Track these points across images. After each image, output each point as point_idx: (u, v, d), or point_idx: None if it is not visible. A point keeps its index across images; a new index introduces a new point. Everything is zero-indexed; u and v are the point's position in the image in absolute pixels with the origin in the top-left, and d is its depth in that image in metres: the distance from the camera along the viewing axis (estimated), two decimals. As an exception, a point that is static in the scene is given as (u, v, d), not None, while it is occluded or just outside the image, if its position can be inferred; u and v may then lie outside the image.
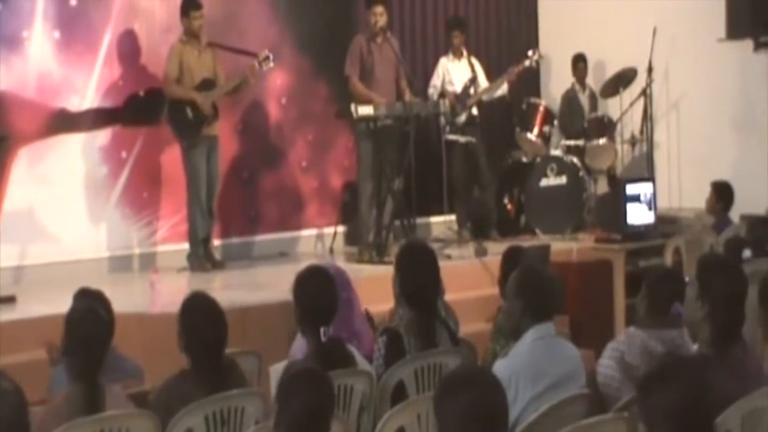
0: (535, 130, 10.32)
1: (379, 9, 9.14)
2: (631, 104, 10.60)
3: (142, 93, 9.18)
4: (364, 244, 9.05)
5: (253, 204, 9.89)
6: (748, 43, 10.35)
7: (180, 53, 8.77)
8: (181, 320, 4.40)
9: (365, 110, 8.81)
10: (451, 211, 10.10)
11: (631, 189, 9.04)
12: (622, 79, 10.62)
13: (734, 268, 4.26)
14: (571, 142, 10.56)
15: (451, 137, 9.81)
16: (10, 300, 7.57)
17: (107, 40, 9.03)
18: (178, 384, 4.31)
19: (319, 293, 4.63)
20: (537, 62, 10.18)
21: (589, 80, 11.17)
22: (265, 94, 9.92)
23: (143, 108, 9.15)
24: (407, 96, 9.26)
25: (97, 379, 4.18)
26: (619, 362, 4.35)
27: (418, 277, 4.95)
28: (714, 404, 3.23)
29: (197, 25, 8.80)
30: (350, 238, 9.93)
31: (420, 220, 9.70)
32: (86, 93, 8.93)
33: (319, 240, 10.14)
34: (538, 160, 10.26)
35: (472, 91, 9.91)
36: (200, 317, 4.39)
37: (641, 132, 10.68)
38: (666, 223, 9.51)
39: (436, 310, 5.06)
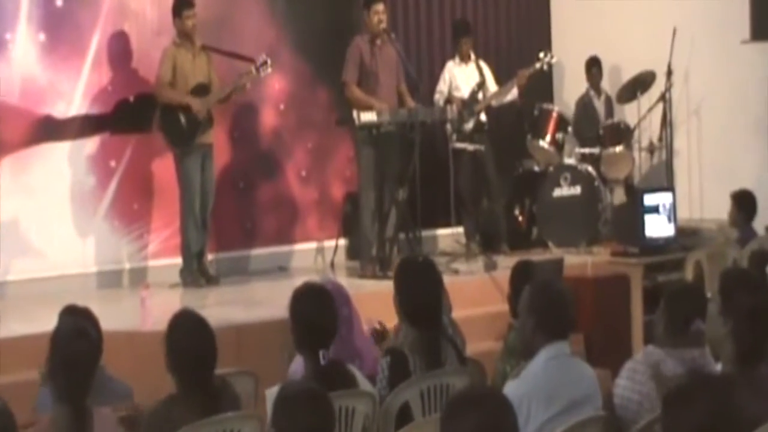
0: (548, 138, 10.31)
1: (380, 7, 9.06)
2: (650, 110, 10.61)
3: (132, 98, 9.19)
4: (366, 258, 9.03)
5: (249, 216, 9.89)
6: (773, 45, 10.37)
7: (174, 56, 8.78)
8: (167, 339, 4.40)
9: (368, 117, 8.78)
10: (458, 224, 10.10)
11: (649, 199, 9.05)
12: (640, 83, 10.62)
13: (759, 283, 4.26)
14: (586, 150, 10.54)
15: (459, 145, 9.79)
16: (-8, 318, 7.58)
17: (95, 42, 9.04)
18: (168, 409, 4.29)
19: (317, 313, 4.62)
20: (549, 64, 10.12)
21: (605, 85, 11.16)
22: (262, 99, 9.93)
23: (133, 114, 9.16)
24: (407, 100, 9.24)
25: (85, 402, 4.16)
26: (654, 376, 4.33)
27: (418, 295, 4.94)
28: (740, 424, 3.22)
29: (190, 24, 8.81)
30: (352, 252, 9.92)
31: (426, 233, 9.70)
32: (73, 99, 8.95)
33: (319, 254, 10.13)
34: (551, 169, 10.25)
35: (480, 96, 9.91)
36: (187, 336, 4.38)
37: (660, 139, 10.68)
38: (686, 236, 9.50)
39: (442, 327, 5.06)
